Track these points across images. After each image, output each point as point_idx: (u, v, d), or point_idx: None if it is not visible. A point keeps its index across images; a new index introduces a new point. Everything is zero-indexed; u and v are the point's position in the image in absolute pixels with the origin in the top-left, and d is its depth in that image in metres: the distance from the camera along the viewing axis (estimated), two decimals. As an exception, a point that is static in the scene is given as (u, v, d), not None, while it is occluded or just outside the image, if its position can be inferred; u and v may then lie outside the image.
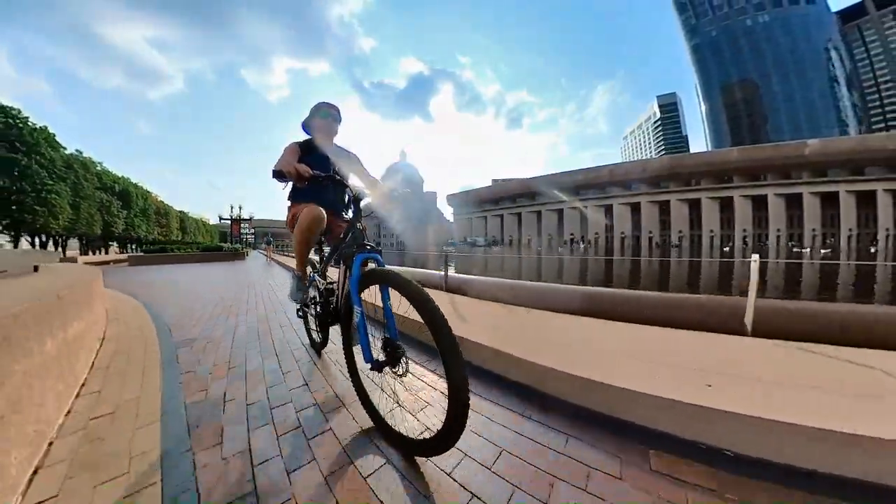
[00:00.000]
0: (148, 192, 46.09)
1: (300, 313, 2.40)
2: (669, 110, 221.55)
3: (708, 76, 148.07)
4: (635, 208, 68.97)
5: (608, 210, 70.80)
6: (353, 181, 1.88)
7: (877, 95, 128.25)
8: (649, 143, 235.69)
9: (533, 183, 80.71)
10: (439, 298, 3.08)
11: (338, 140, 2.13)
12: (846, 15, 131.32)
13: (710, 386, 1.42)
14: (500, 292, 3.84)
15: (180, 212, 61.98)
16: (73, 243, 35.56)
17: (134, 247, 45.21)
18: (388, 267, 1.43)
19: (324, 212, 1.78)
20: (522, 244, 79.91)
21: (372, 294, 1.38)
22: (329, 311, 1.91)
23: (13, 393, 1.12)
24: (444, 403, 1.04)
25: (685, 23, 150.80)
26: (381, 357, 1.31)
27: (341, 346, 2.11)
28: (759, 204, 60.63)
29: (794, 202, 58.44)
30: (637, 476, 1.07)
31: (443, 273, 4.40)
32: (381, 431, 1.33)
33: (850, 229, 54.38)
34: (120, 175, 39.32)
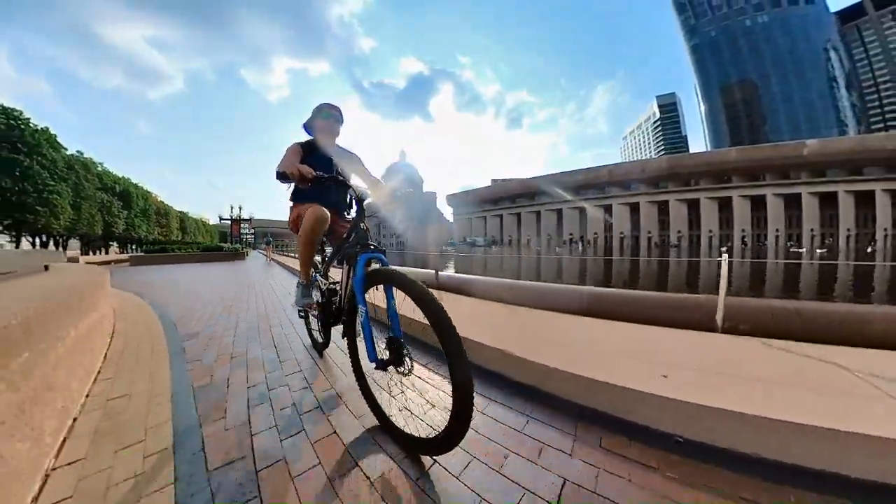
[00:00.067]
0: (148, 192, 46.27)
1: (301, 314, 2.44)
2: (669, 110, 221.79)
3: (707, 76, 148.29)
4: (634, 208, 69.11)
5: (607, 210, 70.97)
6: (356, 181, 1.89)
7: (876, 96, 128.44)
8: (649, 144, 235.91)
9: (532, 183, 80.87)
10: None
11: (339, 141, 2.14)
12: (845, 15, 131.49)
13: (665, 377, 1.54)
14: (491, 290, 3.92)
15: (180, 212, 62.16)
16: (73, 243, 35.72)
17: (134, 247, 45.38)
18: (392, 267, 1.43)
19: (327, 212, 1.78)
20: (521, 244, 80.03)
21: (375, 294, 1.39)
22: (331, 312, 1.91)
23: (49, 374, 1.30)
24: (448, 402, 1.06)
25: (684, 23, 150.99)
26: (386, 356, 1.32)
27: (339, 346, 2.26)
28: (758, 204, 60.76)
29: (792, 202, 58.56)
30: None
31: (440, 272, 4.56)
32: (386, 429, 1.35)
33: (849, 229, 54.51)
34: (120, 175, 39.51)
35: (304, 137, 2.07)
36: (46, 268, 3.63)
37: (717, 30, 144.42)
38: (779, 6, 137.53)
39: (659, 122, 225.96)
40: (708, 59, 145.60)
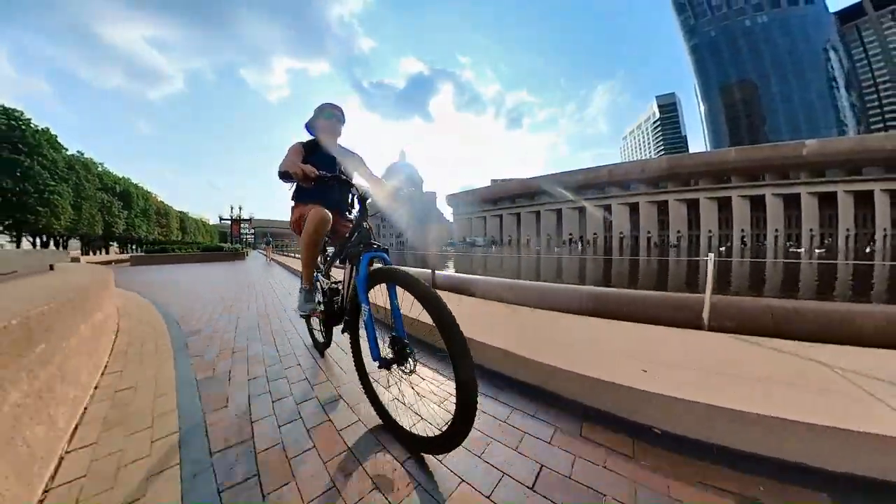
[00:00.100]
0: (148, 192, 46.38)
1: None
2: (669, 111, 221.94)
3: (707, 76, 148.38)
4: (634, 208, 69.20)
5: (607, 210, 71.07)
6: (358, 181, 1.88)
7: (875, 96, 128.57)
8: (649, 144, 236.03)
9: (532, 183, 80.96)
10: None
11: (340, 141, 2.13)
12: (844, 15, 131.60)
13: (645, 371, 1.61)
14: (492, 290, 3.98)
15: (180, 212, 62.27)
16: (73, 243, 35.84)
17: (134, 247, 45.49)
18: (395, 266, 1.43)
19: (329, 213, 1.77)
20: (521, 244, 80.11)
21: (378, 293, 1.39)
22: (333, 311, 1.91)
23: (64, 363, 1.40)
24: (451, 402, 1.11)
25: (684, 23, 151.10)
26: (389, 355, 1.33)
27: (340, 346, 2.31)
28: (758, 204, 60.85)
29: (791, 202, 58.65)
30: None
31: (439, 272, 4.66)
32: (388, 427, 1.37)
33: (848, 229, 54.59)
34: (121, 176, 39.62)
35: (306, 137, 2.08)
36: (51, 267, 3.72)
37: (716, 30, 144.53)
38: (778, 6, 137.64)
39: (659, 123, 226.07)
40: (707, 60, 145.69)
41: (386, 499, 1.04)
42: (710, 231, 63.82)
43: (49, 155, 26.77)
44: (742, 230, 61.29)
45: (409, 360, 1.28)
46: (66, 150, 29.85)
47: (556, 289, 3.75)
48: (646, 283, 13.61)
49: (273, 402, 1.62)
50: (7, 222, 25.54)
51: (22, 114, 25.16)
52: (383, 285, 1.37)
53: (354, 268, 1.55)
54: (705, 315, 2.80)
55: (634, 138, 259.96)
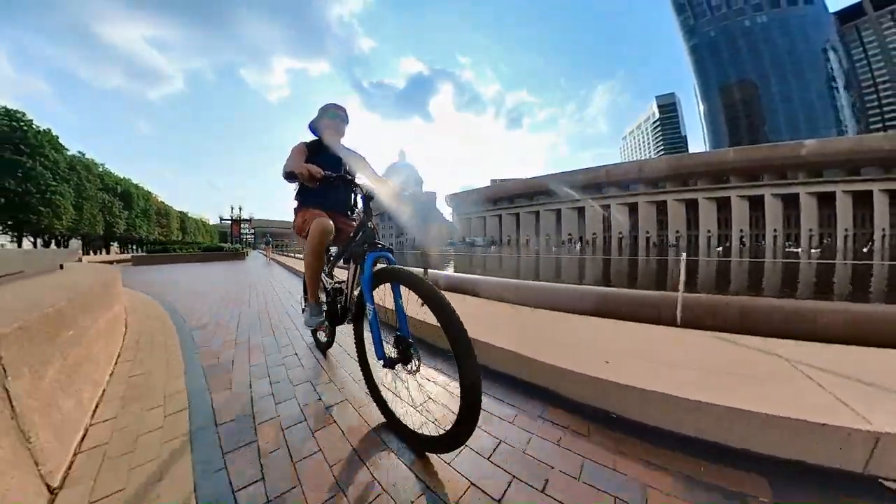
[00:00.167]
0: (149, 192, 46.63)
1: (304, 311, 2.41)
2: (668, 111, 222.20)
3: (706, 77, 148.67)
4: (633, 208, 69.41)
5: (606, 210, 71.28)
6: (362, 181, 1.86)
7: (875, 96, 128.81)
8: (648, 144, 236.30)
9: (531, 183, 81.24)
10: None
11: (343, 141, 2.12)
12: (844, 16, 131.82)
13: (608, 362, 1.72)
14: (494, 290, 4.04)
15: (180, 212, 62.53)
16: (74, 243, 36.06)
17: (134, 247, 45.72)
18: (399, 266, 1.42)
19: (331, 223, 1.77)
20: (520, 244, 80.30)
21: (382, 293, 1.40)
22: (336, 311, 1.91)
23: (89, 346, 1.59)
24: (455, 401, 1.08)
25: (683, 23, 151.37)
26: (394, 354, 1.34)
27: (341, 346, 2.39)
28: (756, 204, 61.01)
29: (790, 202, 58.81)
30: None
31: (439, 272, 4.81)
32: (392, 427, 1.38)
33: (847, 229, 54.76)
34: (122, 176, 39.86)
35: (308, 137, 2.07)
36: (62, 266, 3.91)
37: (716, 30, 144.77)
38: (778, 6, 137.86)
39: (658, 123, 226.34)
40: (707, 60, 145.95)
41: (384, 492, 1.07)
42: (708, 231, 63.98)
43: (51, 156, 27.00)
44: (741, 230, 61.45)
45: (414, 359, 1.29)
46: (68, 150, 30.08)
47: (556, 289, 3.82)
48: (627, 282, 13.75)
49: (272, 383, 1.81)
50: (9, 222, 25.76)
51: (24, 115, 25.41)
52: (387, 285, 1.38)
53: (359, 267, 1.56)
54: (678, 312, 2.99)
55: (634, 138, 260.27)
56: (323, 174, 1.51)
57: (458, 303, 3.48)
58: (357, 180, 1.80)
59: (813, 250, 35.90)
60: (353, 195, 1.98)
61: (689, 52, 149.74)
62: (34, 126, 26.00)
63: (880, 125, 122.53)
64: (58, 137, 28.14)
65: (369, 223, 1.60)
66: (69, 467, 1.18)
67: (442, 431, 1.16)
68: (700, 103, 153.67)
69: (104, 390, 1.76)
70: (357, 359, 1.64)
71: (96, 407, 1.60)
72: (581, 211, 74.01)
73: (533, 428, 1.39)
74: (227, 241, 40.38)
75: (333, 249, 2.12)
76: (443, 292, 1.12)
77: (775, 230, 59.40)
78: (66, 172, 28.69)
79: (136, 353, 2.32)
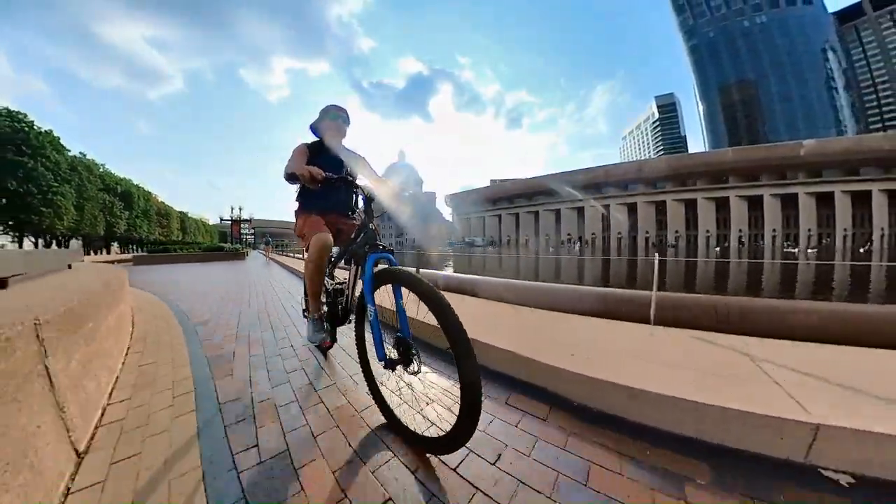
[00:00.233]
0: (149, 193, 46.86)
1: (306, 313, 2.29)
2: (668, 111, 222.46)
3: (705, 77, 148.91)
4: (632, 208, 69.63)
5: (605, 210, 71.48)
6: (363, 182, 1.85)
7: (874, 96, 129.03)
8: (648, 144, 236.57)
9: (530, 183, 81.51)
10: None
11: (344, 142, 2.10)
12: (843, 16, 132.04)
13: (573, 355, 1.85)
14: (495, 290, 4.13)
15: (180, 212, 62.77)
16: (74, 244, 36.26)
17: (135, 247, 45.94)
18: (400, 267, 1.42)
19: (331, 238, 1.78)
20: (520, 244, 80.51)
21: (383, 294, 1.41)
22: (337, 312, 1.91)
23: (105, 340, 1.78)
24: (456, 402, 1.09)
25: (683, 24, 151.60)
26: (394, 355, 1.35)
27: (342, 346, 2.46)
28: (755, 204, 61.18)
29: (789, 202, 58.96)
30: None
31: (432, 272, 4.96)
32: (393, 427, 1.39)
33: (846, 229, 54.92)
34: (122, 177, 40.08)
35: (309, 138, 2.06)
36: (70, 266, 4.10)
37: (715, 30, 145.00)
38: (777, 7, 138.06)
39: (658, 123, 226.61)
40: (706, 60, 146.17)
41: (384, 490, 1.09)
42: (707, 231, 64.17)
43: (52, 156, 27.21)
44: (740, 230, 61.64)
45: (414, 360, 1.29)
46: (69, 151, 30.29)
47: (555, 289, 3.91)
48: (612, 282, 13.83)
49: (268, 371, 2.00)
50: (10, 223, 25.97)
51: (25, 116, 25.62)
52: (388, 286, 1.39)
53: (360, 268, 1.57)
54: (652, 310, 3.14)
55: (634, 138, 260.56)
56: (324, 176, 1.51)
57: (458, 303, 3.53)
58: (358, 181, 1.80)
59: (809, 250, 36.06)
60: (354, 196, 2.00)
61: (688, 53, 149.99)
62: (36, 127, 26.22)
63: (879, 125, 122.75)
64: (59, 138, 28.37)
65: (370, 224, 1.60)
66: (91, 438, 1.37)
67: (443, 432, 1.17)
68: (699, 103, 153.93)
69: (117, 377, 1.95)
70: (358, 360, 1.67)
71: (112, 391, 1.79)
72: (580, 211, 74.23)
73: (528, 426, 1.41)
74: (227, 242, 40.59)
75: (335, 250, 2.14)
76: (442, 293, 1.13)
77: (774, 230, 59.56)
78: (67, 173, 28.90)
79: (144, 346, 2.51)
